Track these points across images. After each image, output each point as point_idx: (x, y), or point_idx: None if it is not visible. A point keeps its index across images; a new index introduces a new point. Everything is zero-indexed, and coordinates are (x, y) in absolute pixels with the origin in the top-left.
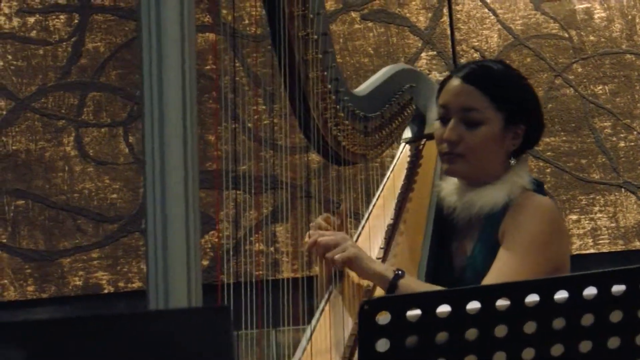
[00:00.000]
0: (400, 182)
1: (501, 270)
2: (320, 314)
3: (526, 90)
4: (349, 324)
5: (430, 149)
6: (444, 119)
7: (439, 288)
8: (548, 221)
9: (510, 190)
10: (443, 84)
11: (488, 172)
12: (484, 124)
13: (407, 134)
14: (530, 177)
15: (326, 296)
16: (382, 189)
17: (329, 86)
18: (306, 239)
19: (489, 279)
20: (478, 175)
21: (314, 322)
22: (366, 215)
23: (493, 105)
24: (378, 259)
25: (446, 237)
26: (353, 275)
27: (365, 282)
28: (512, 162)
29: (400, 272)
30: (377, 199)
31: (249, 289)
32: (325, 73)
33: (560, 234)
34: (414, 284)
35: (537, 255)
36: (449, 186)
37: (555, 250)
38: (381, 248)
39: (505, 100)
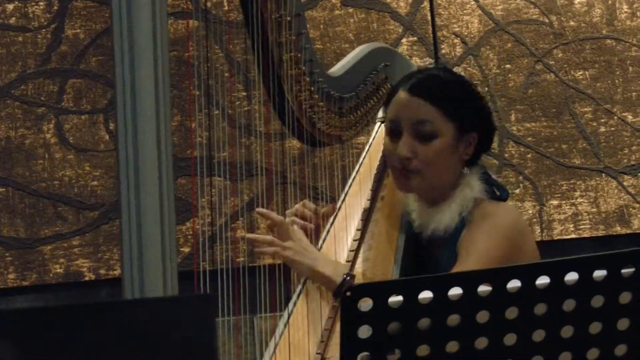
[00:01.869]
0: (376, 162)
1: None
2: (297, 298)
3: (475, 98)
4: (326, 308)
5: None
6: (393, 133)
7: None
8: (503, 237)
9: (462, 206)
10: (390, 97)
11: (443, 184)
12: (437, 137)
13: (383, 113)
14: (482, 186)
15: (302, 283)
16: (359, 168)
17: (303, 68)
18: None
19: None
20: (433, 190)
21: (291, 306)
22: (342, 196)
23: (444, 116)
24: (355, 240)
25: (419, 253)
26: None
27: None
28: (466, 170)
29: (349, 277)
30: (354, 179)
31: (225, 277)
32: (299, 55)
33: (518, 248)
34: None
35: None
36: (412, 202)
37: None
38: (358, 230)
39: (455, 110)
